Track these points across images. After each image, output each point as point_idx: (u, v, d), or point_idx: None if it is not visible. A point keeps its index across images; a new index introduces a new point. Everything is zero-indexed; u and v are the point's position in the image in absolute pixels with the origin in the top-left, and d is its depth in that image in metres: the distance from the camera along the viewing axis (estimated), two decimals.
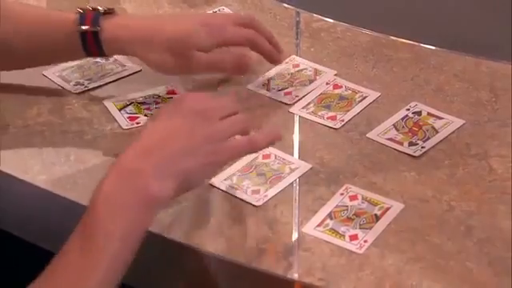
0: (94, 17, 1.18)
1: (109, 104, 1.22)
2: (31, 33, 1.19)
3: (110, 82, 1.26)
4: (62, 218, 1.11)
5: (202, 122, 1.00)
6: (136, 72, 1.28)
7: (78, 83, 1.26)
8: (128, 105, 1.21)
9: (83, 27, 1.17)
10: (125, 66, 1.28)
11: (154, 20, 1.26)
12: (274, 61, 1.26)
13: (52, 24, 1.19)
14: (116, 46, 1.19)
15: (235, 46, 1.23)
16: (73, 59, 1.25)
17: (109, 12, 1.19)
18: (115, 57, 1.28)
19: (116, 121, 1.19)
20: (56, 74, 1.27)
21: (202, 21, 1.21)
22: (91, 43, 1.18)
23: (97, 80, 1.26)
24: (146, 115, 1.20)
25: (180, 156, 0.97)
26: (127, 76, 1.27)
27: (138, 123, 1.19)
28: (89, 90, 1.25)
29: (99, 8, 1.19)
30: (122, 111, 1.20)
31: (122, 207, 0.94)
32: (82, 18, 1.18)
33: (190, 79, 1.26)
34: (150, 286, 1.10)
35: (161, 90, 1.24)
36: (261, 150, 1.08)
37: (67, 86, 1.25)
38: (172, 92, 1.24)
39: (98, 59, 1.28)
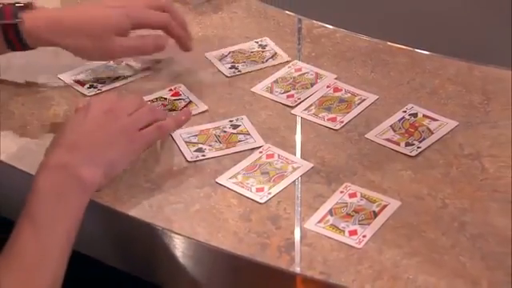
0: (12, 10, 1.18)
1: None
2: None
3: (123, 85, 1.26)
4: None
5: (112, 118, 1.07)
6: (146, 75, 1.28)
7: (91, 86, 1.26)
8: None
9: (3, 21, 1.17)
10: (136, 69, 1.28)
11: (71, 9, 1.29)
12: (185, 47, 1.27)
13: None
14: (36, 37, 1.19)
15: (150, 28, 1.24)
16: None
17: (27, 6, 1.19)
18: (126, 62, 1.28)
19: None
20: (72, 77, 1.27)
21: (118, 4, 1.22)
22: (12, 36, 1.18)
23: (110, 83, 1.26)
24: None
25: (101, 147, 1.05)
26: (138, 79, 1.27)
27: None
28: (102, 92, 1.25)
29: (18, 1, 1.19)
30: None
31: (62, 196, 1.00)
32: (1, 12, 1.18)
33: (192, 81, 1.26)
34: (156, 279, 1.10)
35: (164, 93, 1.24)
36: (171, 132, 1.14)
37: (82, 89, 1.25)
38: (176, 94, 1.24)
39: (111, 63, 1.28)
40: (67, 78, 1.28)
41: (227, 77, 1.27)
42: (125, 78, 1.27)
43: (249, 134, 1.17)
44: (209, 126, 1.18)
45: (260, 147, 1.15)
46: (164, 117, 1.13)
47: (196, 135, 1.16)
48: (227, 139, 1.16)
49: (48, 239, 0.98)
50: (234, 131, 1.17)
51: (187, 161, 1.13)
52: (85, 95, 1.25)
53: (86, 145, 1.05)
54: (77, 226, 1.01)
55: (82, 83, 1.26)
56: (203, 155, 1.13)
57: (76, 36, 1.20)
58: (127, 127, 1.08)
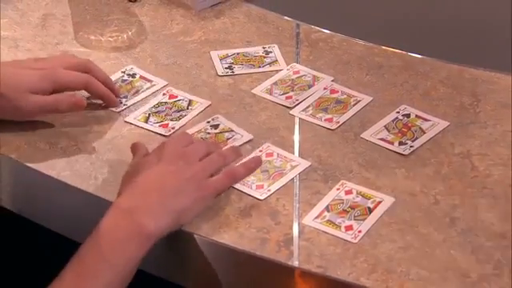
0: None
1: (134, 121, 1.19)
2: None
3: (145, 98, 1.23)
4: (83, 209, 1.11)
5: (184, 164, 1.03)
6: (165, 86, 1.25)
7: None
8: (148, 116, 1.19)
9: None
10: (152, 81, 1.26)
11: None
12: (110, 103, 1.20)
13: None
14: None
15: (71, 90, 1.17)
16: None
17: None
18: (140, 74, 1.27)
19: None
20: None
21: (39, 66, 1.16)
22: None
23: (131, 97, 1.23)
24: (172, 119, 1.19)
25: (171, 196, 1.00)
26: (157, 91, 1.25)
27: (172, 128, 1.18)
28: (128, 107, 1.21)
29: None
30: (149, 122, 1.18)
31: (120, 241, 0.95)
32: None
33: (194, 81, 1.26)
34: (158, 272, 1.09)
35: (163, 98, 1.22)
36: (242, 179, 1.07)
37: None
38: (173, 96, 1.22)
39: (125, 77, 1.26)
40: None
41: (218, 75, 1.26)
42: (144, 90, 1.24)
43: (232, 131, 1.16)
44: (190, 131, 1.16)
45: (260, 146, 1.14)
46: (232, 158, 1.08)
47: None
48: (215, 140, 1.15)
49: (89, 285, 0.93)
50: (217, 131, 1.16)
51: None
52: (113, 110, 1.21)
53: (156, 192, 0.99)
54: (126, 277, 0.96)
55: None
56: None
57: None
58: (198, 174, 1.03)
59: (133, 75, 1.27)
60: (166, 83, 1.26)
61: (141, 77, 1.27)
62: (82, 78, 1.18)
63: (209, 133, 1.16)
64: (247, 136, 1.16)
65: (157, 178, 1.01)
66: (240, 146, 1.14)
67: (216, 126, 1.17)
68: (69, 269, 0.94)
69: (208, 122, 1.18)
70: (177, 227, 1.01)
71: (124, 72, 1.27)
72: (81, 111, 1.18)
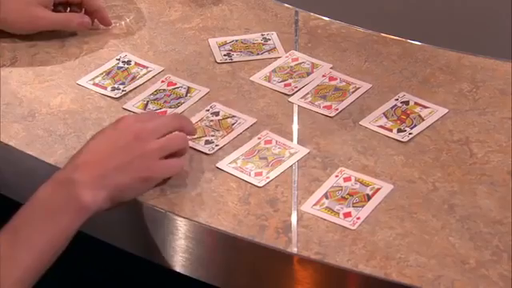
0: None
1: (132, 108, 1.19)
2: None
3: (142, 84, 1.24)
4: None
5: (136, 141, 1.01)
6: (161, 71, 1.25)
7: (114, 88, 1.22)
8: (146, 104, 1.20)
9: None
10: (148, 67, 1.26)
11: None
12: (104, 21, 1.30)
13: None
14: None
15: (70, 1, 1.27)
16: None
17: None
18: (135, 60, 1.27)
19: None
20: (89, 82, 1.24)
21: None
22: None
23: (129, 83, 1.23)
24: (170, 107, 1.19)
25: (114, 171, 0.98)
26: (154, 76, 1.25)
27: None
28: (126, 93, 1.22)
29: None
30: (147, 109, 1.18)
31: (54, 211, 0.95)
32: None
33: (193, 69, 1.26)
34: (158, 260, 1.10)
35: (161, 85, 1.23)
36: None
37: (106, 92, 1.22)
38: (171, 83, 1.23)
39: (120, 64, 1.27)
40: (84, 83, 1.24)
41: (217, 62, 1.27)
42: (141, 76, 1.25)
43: (235, 116, 1.17)
44: (192, 121, 1.15)
45: (259, 133, 1.15)
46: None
47: None
48: (221, 126, 1.15)
49: (22, 252, 0.92)
50: (220, 117, 1.17)
51: (206, 154, 1.12)
52: (112, 97, 1.21)
53: (98, 165, 0.98)
54: (59, 246, 0.95)
55: (103, 86, 1.23)
56: (217, 145, 1.13)
57: (3, 9, 1.19)
58: (148, 154, 1.01)
59: (128, 62, 1.27)
60: (162, 69, 1.26)
61: (136, 63, 1.27)
62: None
63: (212, 120, 1.17)
64: (251, 120, 1.16)
65: (102, 150, 0.99)
66: (241, 132, 1.14)
67: (217, 113, 1.18)
68: (2, 237, 0.93)
69: (207, 110, 1.19)
70: (116, 204, 1.00)
71: (119, 59, 1.28)
72: (80, 96, 1.19)
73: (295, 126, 1.17)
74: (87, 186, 0.96)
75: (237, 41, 1.31)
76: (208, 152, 1.12)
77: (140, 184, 1.01)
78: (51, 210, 0.95)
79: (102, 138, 1.02)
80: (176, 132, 1.06)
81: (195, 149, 1.12)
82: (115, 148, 1.00)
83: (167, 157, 1.04)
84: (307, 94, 1.22)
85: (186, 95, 1.22)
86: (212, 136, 1.14)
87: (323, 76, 1.25)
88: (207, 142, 1.13)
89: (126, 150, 1.00)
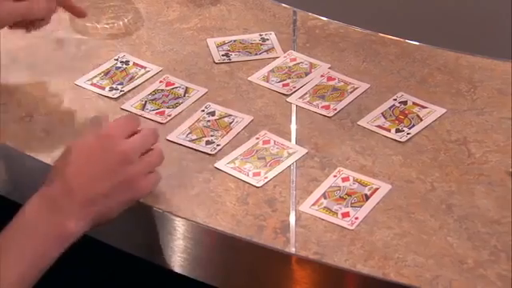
0: None
1: (130, 108, 1.20)
2: None
3: (140, 84, 1.24)
4: None
5: (124, 164, 0.98)
6: (159, 71, 1.26)
7: (112, 88, 1.22)
8: (144, 104, 1.20)
9: None
10: (146, 67, 1.26)
11: None
12: (79, 14, 1.22)
13: None
14: None
15: None
16: None
17: None
18: (133, 61, 1.27)
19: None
20: (87, 82, 1.24)
21: None
22: None
23: (127, 83, 1.23)
24: (168, 107, 1.19)
25: (102, 197, 0.97)
26: (152, 77, 1.25)
27: (169, 115, 1.18)
28: (125, 93, 1.22)
29: None
30: (145, 110, 1.19)
31: (37, 236, 0.94)
32: None
33: (191, 69, 1.27)
34: (157, 260, 1.10)
35: (159, 85, 1.23)
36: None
37: (104, 92, 1.22)
38: (170, 84, 1.23)
39: (118, 64, 1.27)
40: (82, 83, 1.24)
41: (215, 63, 1.27)
42: (139, 76, 1.25)
43: (231, 115, 1.17)
44: (189, 122, 1.16)
45: (257, 133, 1.15)
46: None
47: (190, 132, 1.15)
48: (219, 126, 1.16)
49: (5, 272, 0.92)
50: (216, 117, 1.17)
51: (209, 154, 1.12)
52: (110, 97, 1.21)
53: (88, 190, 0.96)
54: (39, 270, 0.94)
55: (101, 87, 1.23)
56: (218, 145, 1.13)
57: None
58: (133, 177, 0.99)
59: (126, 62, 1.28)
60: (160, 69, 1.26)
61: (134, 63, 1.27)
62: None
63: (209, 120, 1.17)
64: (247, 118, 1.16)
65: (91, 171, 0.97)
66: (240, 131, 1.14)
67: (213, 113, 1.18)
68: None
69: (203, 110, 1.19)
70: (97, 226, 0.99)
71: (117, 59, 1.28)
72: (78, 96, 1.19)
73: (293, 126, 1.17)
74: (74, 215, 0.95)
75: (235, 41, 1.32)
76: (210, 152, 1.12)
77: (124, 205, 1.00)
78: (35, 234, 0.94)
79: (89, 153, 0.99)
80: (154, 146, 1.04)
81: (197, 150, 1.12)
82: (103, 171, 0.98)
83: None
84: (305, 94, 1.22)
85: (184, 95, 1.22)
86: (212, 136, 1.14)
87: (321, 76, 1.25)
88: (208, 143, 1.13)
89: (113, 174, 0.98)
